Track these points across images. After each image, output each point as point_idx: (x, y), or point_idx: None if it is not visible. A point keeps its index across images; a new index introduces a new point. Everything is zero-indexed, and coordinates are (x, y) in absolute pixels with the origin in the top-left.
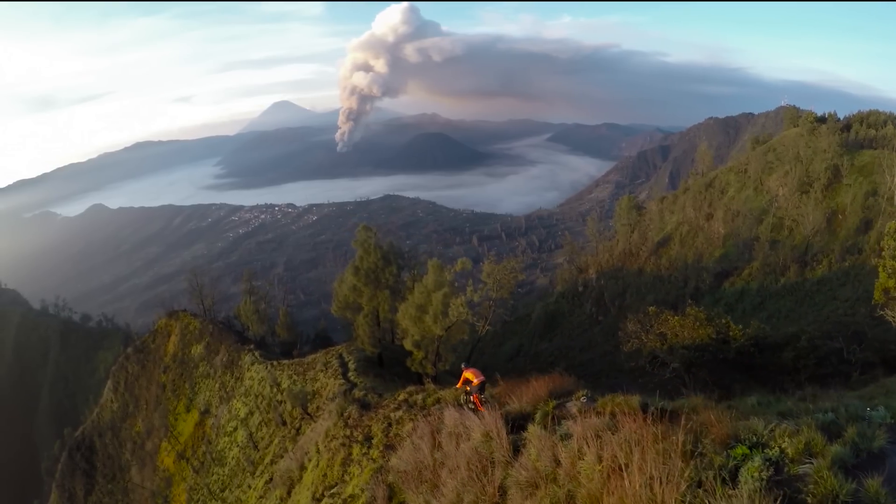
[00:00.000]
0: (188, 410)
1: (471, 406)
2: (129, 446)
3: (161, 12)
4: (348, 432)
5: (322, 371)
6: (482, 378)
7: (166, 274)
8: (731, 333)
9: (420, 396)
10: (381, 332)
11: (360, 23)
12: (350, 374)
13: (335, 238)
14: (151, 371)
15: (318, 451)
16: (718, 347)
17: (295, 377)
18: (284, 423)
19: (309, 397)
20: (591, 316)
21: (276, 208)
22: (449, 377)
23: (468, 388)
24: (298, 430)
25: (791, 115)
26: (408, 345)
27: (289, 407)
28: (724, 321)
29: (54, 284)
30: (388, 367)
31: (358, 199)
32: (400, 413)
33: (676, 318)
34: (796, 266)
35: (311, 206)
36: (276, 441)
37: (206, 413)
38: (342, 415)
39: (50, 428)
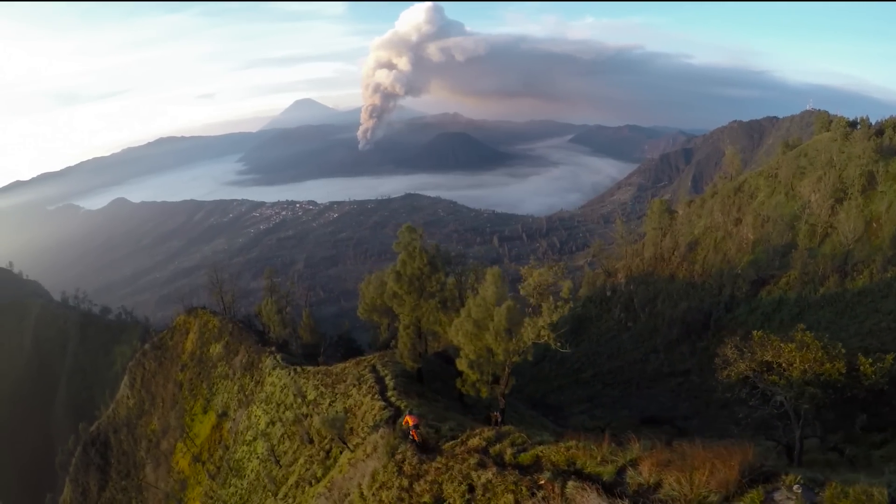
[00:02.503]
0: (205, 412)
1: (411, 439)
2: (143, 444)
3: (185, 10)
4: (405, 483)
5: (355, 386)
6: (417, 420)
7: (187, 268)
8: (860, 368)
9: (508, 448)
10: (423, 345)
11: (381, 22)
12: (389, 393)
13: (356, 236)
14: (168, 368)
15: (362, 497)
16: (847, 384)
17: (322, 389)
18: (311, 442)
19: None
20: (619, 322)
21: (297, 205)
22: (519, 408)
23: (407, 428)
24: (329, 453)
25: (822, 120)
26: (462, 365)
27: (316, 423)
28: (839, 349)
29: (75, 276)
30: (427, 382)
31: (379, 198)
32: (489, 475)
33: (791, 345)
34: (836, 276)
35: (332, 203)
36: (301, 461)
37: (223, 416)
38: (393, 455)
39: (67, 420)
